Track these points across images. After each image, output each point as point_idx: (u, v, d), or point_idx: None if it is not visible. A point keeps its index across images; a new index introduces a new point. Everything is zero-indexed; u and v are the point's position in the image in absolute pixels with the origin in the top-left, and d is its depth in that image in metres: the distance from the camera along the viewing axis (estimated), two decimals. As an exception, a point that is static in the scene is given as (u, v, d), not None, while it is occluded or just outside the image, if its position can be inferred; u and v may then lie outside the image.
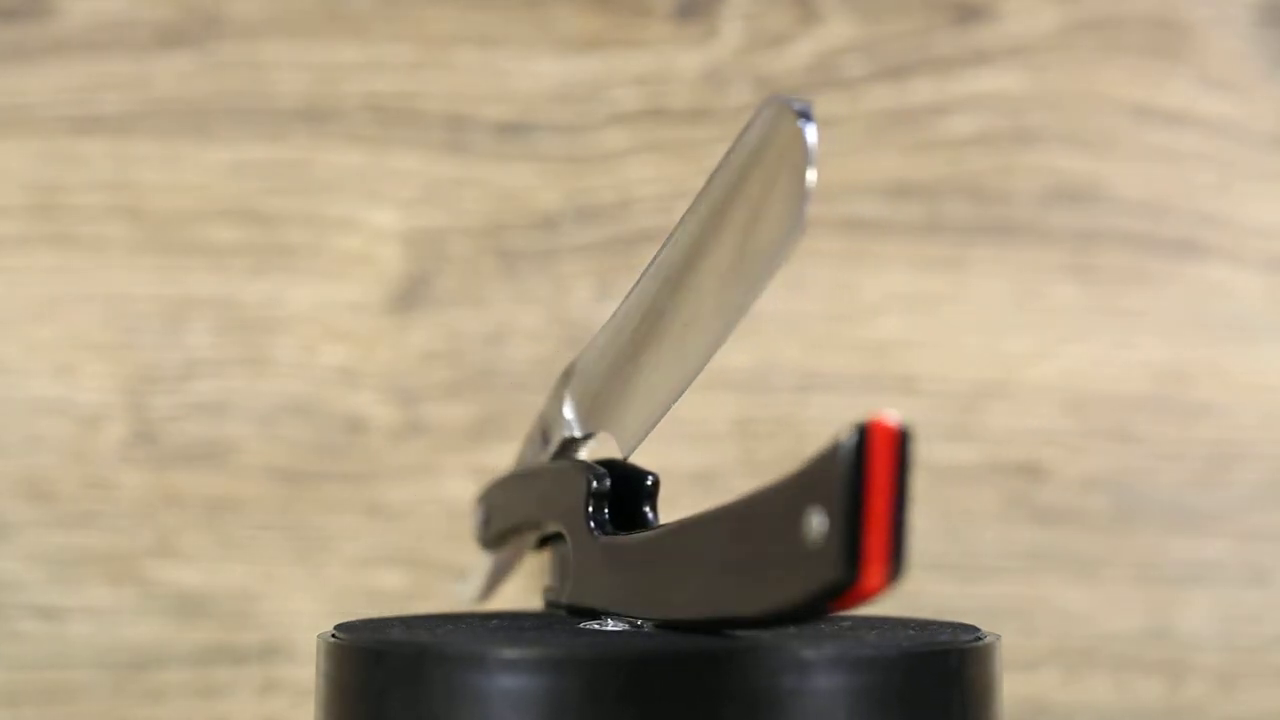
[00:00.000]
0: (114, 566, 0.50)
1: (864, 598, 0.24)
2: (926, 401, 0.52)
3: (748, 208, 0.27)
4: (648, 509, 0.31)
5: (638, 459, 0.31)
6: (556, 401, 0.34)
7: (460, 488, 0.51)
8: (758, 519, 0.26)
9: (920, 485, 0.51)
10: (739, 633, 0.28)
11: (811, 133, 0.26)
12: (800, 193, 0.26)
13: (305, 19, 0.52)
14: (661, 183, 0.52)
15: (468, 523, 0.52)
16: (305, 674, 0.49)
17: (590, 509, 0.31)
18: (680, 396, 0.30)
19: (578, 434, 0.33)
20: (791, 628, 0.31)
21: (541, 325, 0.52)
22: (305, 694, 0.50)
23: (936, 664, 0.28)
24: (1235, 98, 0.53)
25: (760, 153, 0.27)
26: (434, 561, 0.51)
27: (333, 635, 0.29)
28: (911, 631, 0.30)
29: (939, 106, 0.53)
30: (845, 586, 0.24)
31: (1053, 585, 0.52)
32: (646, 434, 0.31)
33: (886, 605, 0.53)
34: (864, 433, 0.23)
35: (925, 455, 0.52)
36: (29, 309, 0.51)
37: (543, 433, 0.34)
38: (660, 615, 0.29)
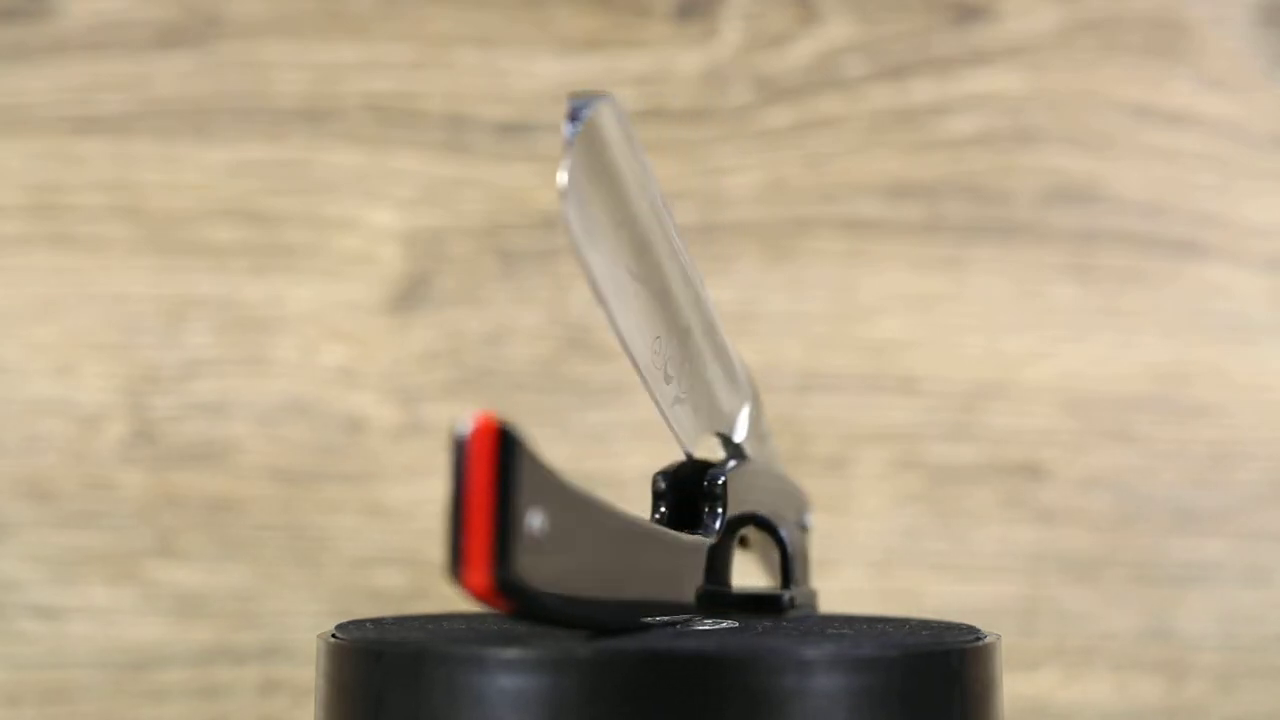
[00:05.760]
0: (114, 566, 0.50)
1: (479, 595, 0.23)
2: (926, 401, 0.52)
3: None
4: (707, 508, 0.31)
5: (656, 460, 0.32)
6: None
7: (460, 488, 0.51)
8: None
9: (920, 485, 0.52)
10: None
11: (569, 131, 0.26)
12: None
13: (305, 19, 0.52)
14: (662, 183, 0.52)
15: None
16: (305, 674, 0.49)
17: (653, 509, 0.31)
18: (646, 388, 0.30)
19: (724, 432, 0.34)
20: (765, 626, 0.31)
21: (541, 325, 0.52)
22: (305, 694, 0.50)
23: (936, 664, 0.28)
24: (1235, 98, 0.53)
25: None
26: (434, 561, 0.51)
27: (333, 635, 0.29)
28: (911, 631, 0.30)
29: (939, 106, 0.53)
30: (459, 582, 0.23)
31: (1053, 585, 0.52)
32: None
33: (887, 605, 0.53)
34: (466, 431, 0.23)
35: (925, 455, 0.52)
36: (29, 309, 0.51)
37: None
38: None
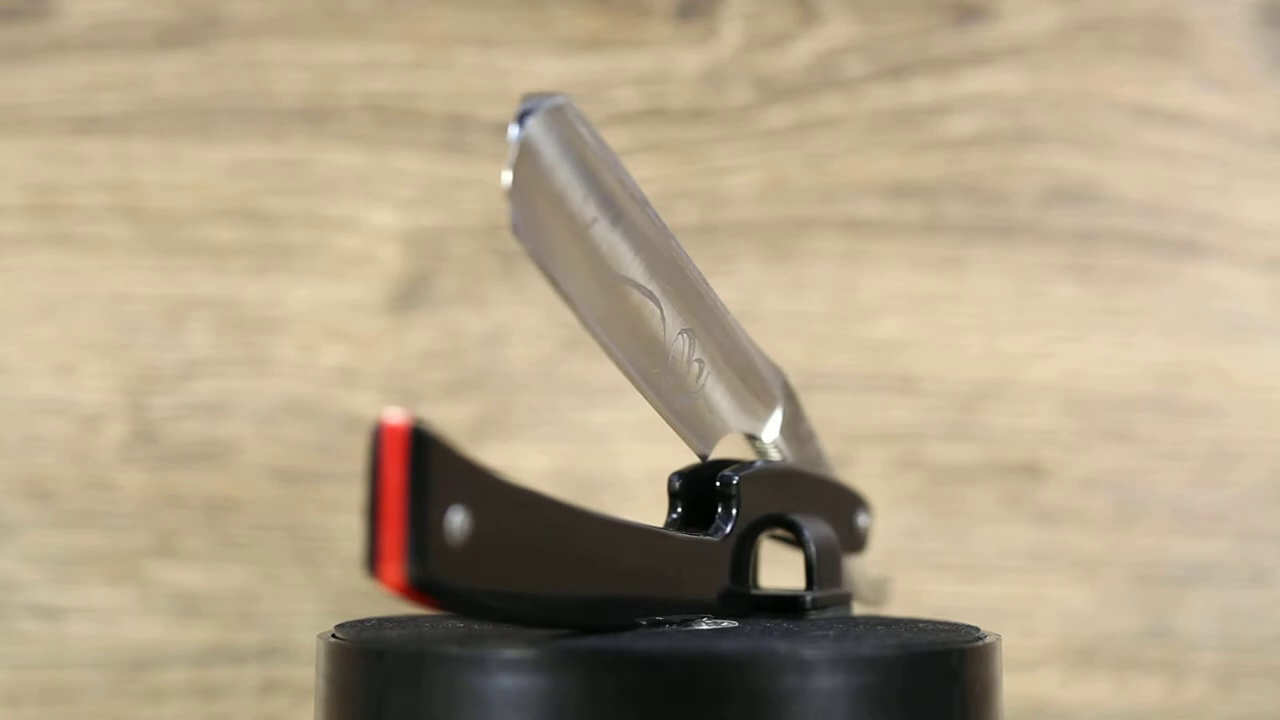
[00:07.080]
0: (114, 566, 0.50)
1: (396, 593, 0.24)
2: (926, 401, 0.52)
3: None
4: (720, 508, 0.32)
5: (659, 461, 0.32)
6: None
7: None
8: None
9: (920, 485, 0.52)
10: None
11: (513, 132, 0.25)
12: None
13: (305, 19, 0.52)
14: (661, 183, 0.52)
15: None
16: (305, 674, 0.49)
17: (669, 509, 0.32)
18: (640, 392, 0.30)
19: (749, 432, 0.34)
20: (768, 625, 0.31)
21: (541, 325, 0.52)
22: (305, 694, 0.50)
23: (936, 664, 0.28)
24: (1235, 98, 0.53)
25: None
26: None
27: (333, 635, 0.29)
28: (911, 631, 0.30)
29: (939, 106, 0.53)
30: (377, 580, 0.24)
31: (1053, 585, 0.52)
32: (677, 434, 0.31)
33: (887, 605, 0.53)
34: (379, 432, 0.24)
35: (925, 455, 0.52)
36: (29, 309, 0.51)
37: None
38: None
